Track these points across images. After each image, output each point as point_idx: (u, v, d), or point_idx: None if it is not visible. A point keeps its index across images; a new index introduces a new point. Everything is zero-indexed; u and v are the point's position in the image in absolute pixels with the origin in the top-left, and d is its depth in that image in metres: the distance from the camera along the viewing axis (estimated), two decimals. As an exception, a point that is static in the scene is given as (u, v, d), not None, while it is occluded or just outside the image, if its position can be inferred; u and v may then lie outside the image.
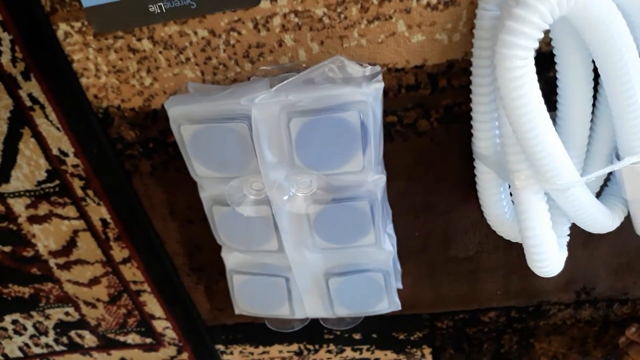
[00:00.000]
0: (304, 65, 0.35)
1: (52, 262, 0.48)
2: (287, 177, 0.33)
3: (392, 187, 0.39)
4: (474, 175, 0.37)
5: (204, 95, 0.33)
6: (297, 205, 0.34)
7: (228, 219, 0.36)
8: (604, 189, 0.37)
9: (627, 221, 0.36)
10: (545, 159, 0.29)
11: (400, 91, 0.36)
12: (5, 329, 0.55)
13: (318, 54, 0.35)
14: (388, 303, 0.40)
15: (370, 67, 0.34)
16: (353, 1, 0.33)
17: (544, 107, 0.28)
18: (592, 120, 0.33)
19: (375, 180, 0.33)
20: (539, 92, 0.27)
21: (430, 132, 0.38)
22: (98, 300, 0.51)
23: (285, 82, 0.30)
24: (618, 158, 0.32)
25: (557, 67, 0.31)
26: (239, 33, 0.34)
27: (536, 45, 0.26)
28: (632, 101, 0.29)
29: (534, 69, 0.27)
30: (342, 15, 0.33)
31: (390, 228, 0.39)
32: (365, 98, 0.30)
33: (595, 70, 0.30)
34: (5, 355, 0.58)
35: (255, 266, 0.39)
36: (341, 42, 0.34)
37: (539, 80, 0.27)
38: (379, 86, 0.31)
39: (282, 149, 0.32)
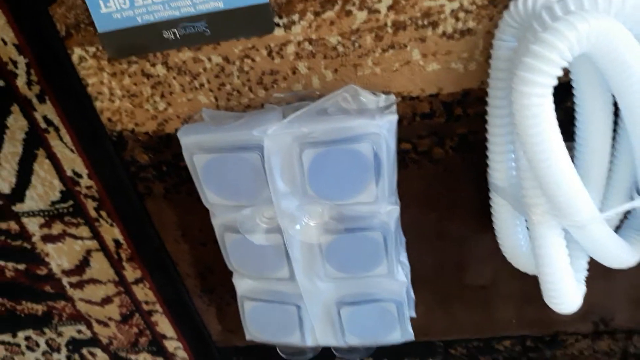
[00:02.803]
0: (317, 92, 0.35)
1: (65, 280, 0.48)
2: (299, 206, 0.33)
3: (406, 214, 0.39)
4: (489, 204, 0.36)
5: (216, 124, 0.33)
6: (309, 235, 0.33)
7: (240, 246, 0.36)
8: (624, 222, 0.36)
9: (648, 254, 0.35)
10: (563, 195, 0.28)
11: (414, 119, 0.36)
12: (18, 345, 0.55)
13: (332, 82, 0.34)
14: (401, 333, 0.39)
15: (384, 96, 0.33)
16: (367, 30, 0.32)
17: (562, 143, 0.27)
18: (612, 154, 0.32)
19: (388, 211, 0.33)
20: (557, 128, 0.27)
21: (444, 160, 0.37)
22: (110, 319, 0.51)
23: (298, 112, 0.30)
24: (639, 192, 0.31)
25: (575, 100, 0.31)
26: (253, 60, 0.34)
27: (555, 82, 0.25)
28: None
29: (552, 105, 0.26)
30: (357, 44, 0.33)
31: (404, 256, 0.39)
32: (379, 130, 0.30)
33: (614, 102, 0.29)
34: (17, 370, 0.58)
35: (267, 293, 0.39)
36: (355, 71, 0.34)
37: (558, 109, 0.27)
38: (392, 118, 0.30)
39: (295, 179, 0.32)
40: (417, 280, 0.43)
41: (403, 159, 0.37)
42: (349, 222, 0.33)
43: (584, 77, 0.29)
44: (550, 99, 0.26)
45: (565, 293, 0.32)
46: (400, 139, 0.36)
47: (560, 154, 0.27)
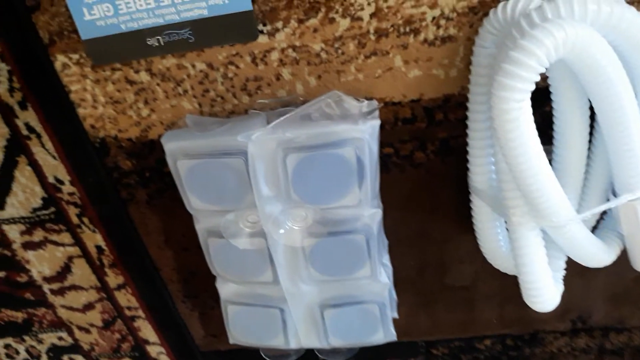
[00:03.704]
0: (301, 98, 0.35)
1: (46, 287, 0.48)
2: (283, 210, 0.33)
3: (389, 217, 0.39)
4: (470, 207, 0.37)
5: (200, 130, 0.34)
6: (292, 239, 0.34)
7: (223, 250, 0.36)
8: (600, 222, 0.37)
9: (623, 252, 0.36)
10: (541, 197, 0.29)
11: (396, 124, 0.36)
12: (-2, 353, 0.55)
13: (315, 88, 0.35)
14: (384, 334, 0.40)
15: (367, 102, 0.34)
16: (350, 37, 0.33)
17: (540, 146, 0.28)
18: (588, 156, 0.33)
19: (371, 214, 0.33)
20: (535, 132, 0.28)
21: (426, 164, 0.38)
22: (92, 325, 0.51)
23: (282, 118, 0.31)
24: (614, 194, 0.32)
25: (553, 105, 0.31)
26: (237, 67, 0.35)
27: (533, 87, 0.26)
28: (628, 140, 0.29)
29: (530, 110, 0.27)
30: (340, 51, 0.33)
31: (386, 259, 0.39)
32: (361, 135, 0.30)
33: (591, 107, 0.30)
34: (-3, 379, 0.57)
35: (250, 297, 0.39)
36: (338, 77, 0.34)
37: (536, 114, 0.28)
38: (375, 123, 0.31)
39: (279, 183, 0.32)
40: (400, 282, 0.44)
41: (385, 163, 0.38)
42: (333, 226, 0.34)
43: (561, 83, 0.30)
44: (529, 103, 0.27)
45: (544, 292, 0.33)
46: (382, 144, 0.37)
47: (538, 157, 0.28)
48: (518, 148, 0.27)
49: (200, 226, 0.36)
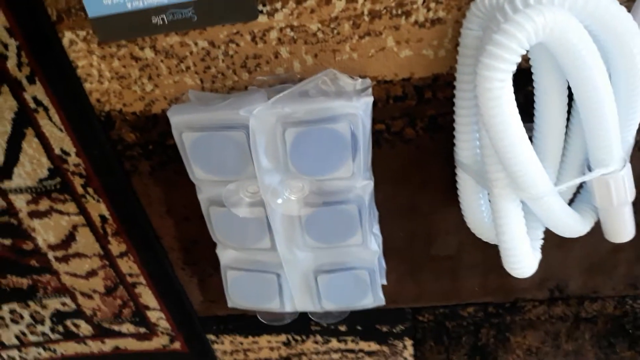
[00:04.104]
0: (298, 76, 0.37)
1: (50, 254, 0.50)
2: (281, 181, 0.35)
3: (380, 190, 0.42)
4: (456, 180, 0.40)
5: (204, 104, 0.35)
6: (290, 208, 0.36)
7: (224, 218, 0.38)
8: (577, 195, 0.40)
9: (598, 225, 0.38)
10: (521, 170, 0.32)
11: (388, 102, 0.38)
12: (3, 318, 0.57)
13: (312, 66, 0.37)
14: (373, 298, 0.42)
15: (360, 80, 0.36)
16: (345, 18, 0.35)
17: (520, 123, 0.30)
18: (566, 133, 0.35)
19: (363, 185, 0.36)
20: (516, 110, 0.30)
21: (416, 140, 0.40)
22: (94, 291, 0.53)
23: (281, 94, 0.33)
24: (589, 169, 0.35)
25: (534, 85, 0.34)
26: (237, 45, 0.36)
27: (514, 68, 0.28)
28: (602, 119, 0.31)
29: (511, 88, 0.29)
30: (335, 31, 0.35)
31: (376, 229, 0.42)
32: (356, 111, 0.32)
33: (569, 87, 0.33)
34: (2, 343, 0.60)
35: (249, 263, 0.41)
36: (334, 56, 0.36)
37: (519, 93, 0.30)
38: (368, 100, 0.33)
39: (278, 156, 0.34)
40: (389, 251, 0.46)
41: (377, 139, 0.40)
42: (328, 196, 0.36)
43: (541, 65, 0.32)
44: (510, 83, 0.29)
45: (522, 259, 0.35)
46: (375, 120, 0.39)
47: (518, 134, 0.30)
48: (500, 125, 0.30)
49: (203, 196, 0.38)
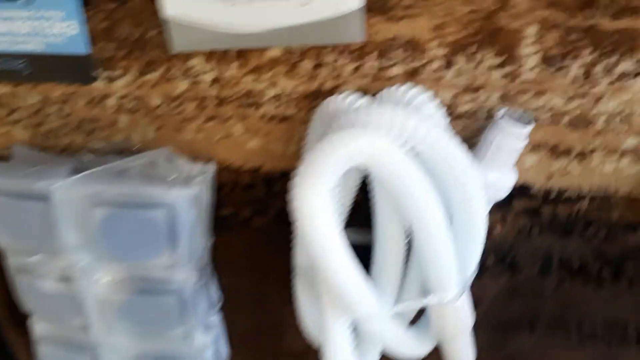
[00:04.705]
0: (137, 147, 0.35)
1: None
2: (93, 261, 0.32)
3: (225, 277, 0.39)
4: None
5: (27, 164, 0.32)
6: (102, 291, 0.33)
7: (33, 290, 0.34)
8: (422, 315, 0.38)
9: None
10: (340, 290, 0.29)
11: (236, 188, 0.36)
12: None
13: (153, 140, 0.34)
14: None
15: (201, 164, 0.34)
16: (190, 98, 0.33)
17: (340, 241, 0.28)
18: (409, 251, 0.33)
19: (184, 278, 0.33)
20: (334, 230, 0.28)
21: (264, 229, 0.38)
22: None
23: (95, 169, 0.30)
24: (426, 293, 0.33)
25: (374, 202, 0.32)
26: (73, 105, 0.34)
27: (330, 187, 0.26)
28: (435, 249, 0.30)
29: (328, 207, 0.27)
30: (178, 109, 0.33)
31: (214, 319, 0.39)
32: (173, 201, 0.30)
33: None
34: None
35: (63, 339, 0.37)
36: (177, 134, 0.34)
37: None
38: (189, 191, 0.30)
39: (87, 234, 0.31)
40: (236, 342, 0.43)
41: (224, 224, 0.37)
42: (144, 284, 0.33)
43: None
44: (328, 201, 0.27)
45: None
46: (222, 205, 0.37)
47: (336, 253, 0.28)
48: (316, 243, 0.27)
49: (10, 263, 0.34)
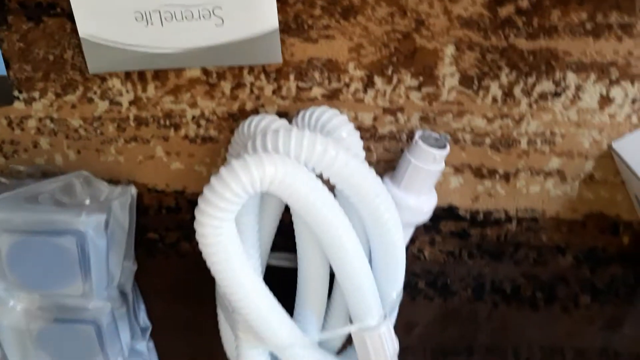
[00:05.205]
0: (59, 169, 0.34)
1: None
2: (6, 289, 0.31)
3: (155, 302, 0.38)
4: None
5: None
6: (15, 320, 0.32)
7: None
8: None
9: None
10: (254, 321, 0.29)
11: (161, 211, 0.35)
12: None
13: (75, 162, 0.33)
14: None
15: (120, 188, 0.33)
16: (110, 119, 0.32)
17: (248, 270, 0.27)
18: (335, 278, 0.33)
19: (99, 307, 0.32)
20: (242, 258, 0.27)
21: (192, 254, 0.37)
22: None
23: (5, 194, 0.29)
24: (351, 321, 0.32)
25: (293, 222, 0.31)
26: (-8, 127, 0.33)
27: (231, 216, 0.25)
28: (351, 275, 0.29)
29: (233, 236, 0.26)
30: (99, 131, 0.32)
31: (142, 345, 0.37)
32: (84, 228, 0.29)
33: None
34: None
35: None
36: (98, 155, 0.33)
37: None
38: (103, 217, 0.29)
39: (-5, 262, 0.30)
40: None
41: (150, 248, 0.37)
42: (59, 312, 0.32)
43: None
44: (230, 230, 0.26)
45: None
46: (147, 229, 0.36)
47: (247, 281, 0.27)
48: (222, 273, 0.27)
49: None
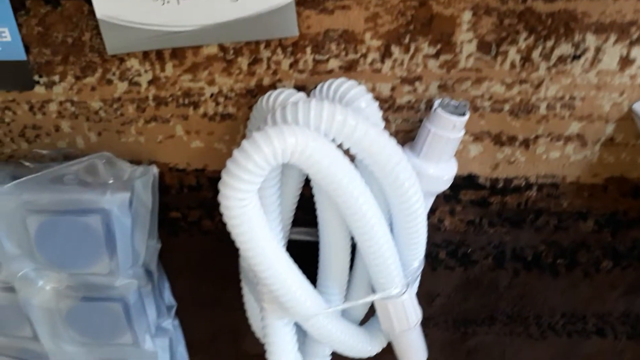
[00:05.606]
0: (81, 151, 0.34)
1: None
2: (33, 270, 0.32)
3: (179, 280, 0.39)
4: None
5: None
6: (45, 299, 0.32)
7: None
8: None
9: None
10: (280, 291, 0.29)
11: (182, 190, 0.35)
12: None
13: (96, 144, 0.34)
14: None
15: (142, 167, 0.33)
16: (129, 100, 0.32)
17: (272, 241, 0.28)
18: (353, 251, 0.33)
19: (125, 284, 0.32)
20: (265, 229, 0.27)
21: (214, 231, 0.37)
22: None
23: (31, 176, 0.29)
24: (373, 290, 0.32)
25: (315, 199, 0.31)
26: (14, 112, 0.33)
27: (255, 187, 0.26)
28: (374, 245, 0.29)
29: (257, 208, 0.26)
30: (119, 112, 0.33)
31: (168, 323, 0.38)
32: (109, 206, 0.29)
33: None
34: None
35: (14, 350, 0.37)
36: (119, 137, 0.33)
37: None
38: (127, 195, 0.30)
39: (24, 243, 0.31)
40: (195, 345, 0.43)
41: (173, 227, 0.37)
42: (87, 291, 0.32)
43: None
44: (254, 201, 0.26)
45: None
46: (169, 208, 0.36)
47: (271, 252, 0.28)
48: (247, 243, 0.27)
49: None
